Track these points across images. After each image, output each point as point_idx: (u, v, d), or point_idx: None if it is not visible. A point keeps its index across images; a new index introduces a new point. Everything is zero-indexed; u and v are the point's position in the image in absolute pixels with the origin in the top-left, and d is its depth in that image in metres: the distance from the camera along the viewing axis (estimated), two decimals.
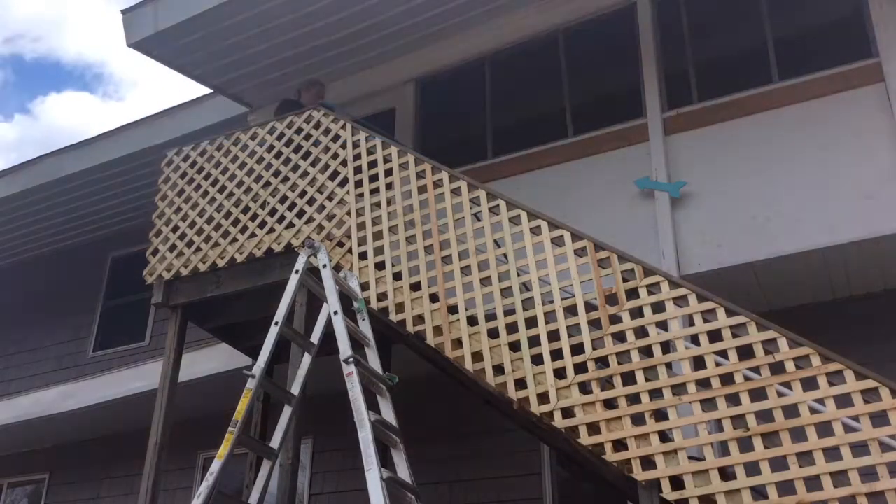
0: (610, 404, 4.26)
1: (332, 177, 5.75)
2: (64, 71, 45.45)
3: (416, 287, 5.04)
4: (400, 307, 5.04)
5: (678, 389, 4.08)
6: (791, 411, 3.83)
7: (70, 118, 42.41)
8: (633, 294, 4.40)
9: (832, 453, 3.69)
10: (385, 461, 4.27)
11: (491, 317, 4.72)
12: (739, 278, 5.56)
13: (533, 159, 6.65)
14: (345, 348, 4.27)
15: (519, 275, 4.74)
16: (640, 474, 4.01)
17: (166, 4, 7.14)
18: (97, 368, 9.45)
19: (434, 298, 4.94)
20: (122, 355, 9.55)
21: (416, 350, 5.13)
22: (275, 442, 4.68)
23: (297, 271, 4.81)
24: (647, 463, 4.03)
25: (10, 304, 11.19)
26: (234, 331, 6.64)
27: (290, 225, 5.75)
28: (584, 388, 4.29)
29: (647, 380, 4.16)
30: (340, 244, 5.48)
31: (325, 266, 4.74)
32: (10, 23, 40.17)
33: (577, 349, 4.40)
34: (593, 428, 4.22)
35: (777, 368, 3.93)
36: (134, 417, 8.18)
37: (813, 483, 3.67)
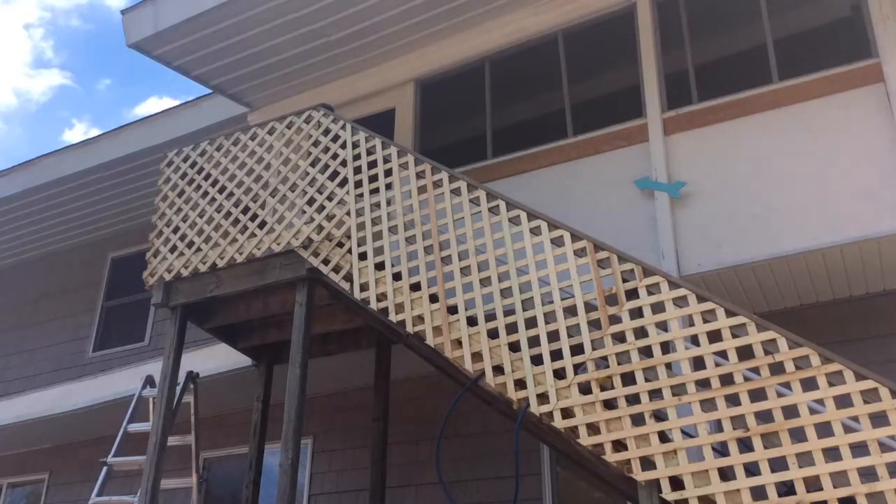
0: (610, 404, 4.26)
1: (332, 177, 5.75)
2: None
3: (415, 287, 5.04)
4: (400, 307, 5.03)
5: (678, 390, 4.08)
6: (791, 411, 3.83)
7: None
8: (632, 294, 4.39)
9: (832, 453, 3.69)
10: None
11: (491, 317, 4.72)
12: (739, 278, 5.57)
13: (533, 159, 6.64)
14: None
15: (519, 275, 4.73)
16: (639, 474, 4.01)
17: (166, 4, 7.14)
18: (97, 368, 9.45)
19: (434, 299, 4.94)
20: (122, 355, 9.55)
21: (416, 350, 5.13)
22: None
23: None
24: (647, 463, 4.03)
25: (10, 304, 11.20)
26: (233, 331, 6.64)
27: (290, 225, 5.75)
28: (584, 389, 4.30)
29: (646, 380, 4.16)
30: (340, 244, 5.48)
31: None
32: None
33: (577, 349, 4.39)
34: (593, 428, 4.21)
35: (777, 369, 3.92)
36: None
37: (813, 483, 3.67)
